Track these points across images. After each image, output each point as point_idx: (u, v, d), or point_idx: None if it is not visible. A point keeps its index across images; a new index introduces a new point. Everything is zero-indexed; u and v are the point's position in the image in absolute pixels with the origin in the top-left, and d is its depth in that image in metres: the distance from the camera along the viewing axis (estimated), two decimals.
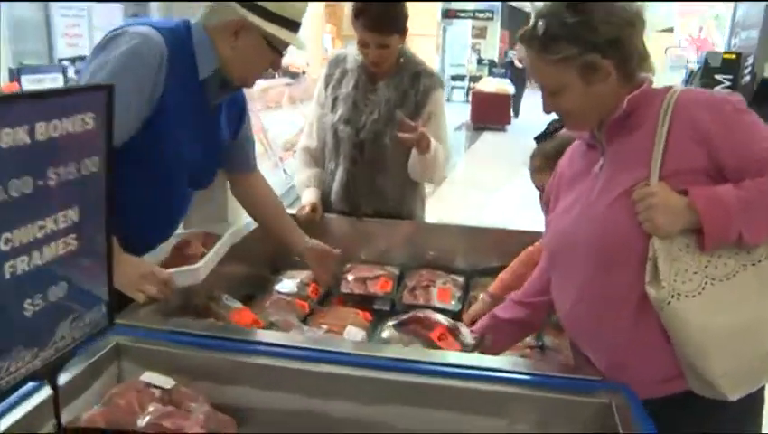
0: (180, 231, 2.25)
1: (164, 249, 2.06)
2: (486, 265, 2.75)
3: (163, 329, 1.64)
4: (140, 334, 1.60)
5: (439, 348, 1.88)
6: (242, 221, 2.66)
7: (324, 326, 2.30)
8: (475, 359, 1.66)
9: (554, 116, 1.69)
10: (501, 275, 2.33)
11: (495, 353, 1.94)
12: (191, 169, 2.01)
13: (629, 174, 1.46)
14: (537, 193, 2.20)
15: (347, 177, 2.79)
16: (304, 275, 2.66)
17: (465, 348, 1.96)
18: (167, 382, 1.46)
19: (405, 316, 2.03)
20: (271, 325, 2.07)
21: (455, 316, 2.44)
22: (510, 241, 2.72)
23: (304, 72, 8.12)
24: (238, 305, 2.10)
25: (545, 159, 2.02)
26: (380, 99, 2.69)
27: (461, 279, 2.70)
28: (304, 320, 2.38)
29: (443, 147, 2.75)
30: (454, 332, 1.99)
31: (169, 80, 1.81)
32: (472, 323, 2.14)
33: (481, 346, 1.94)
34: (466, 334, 1.99)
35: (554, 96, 1.51)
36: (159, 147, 1.87)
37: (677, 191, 1.39)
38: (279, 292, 2.56)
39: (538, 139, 2.09)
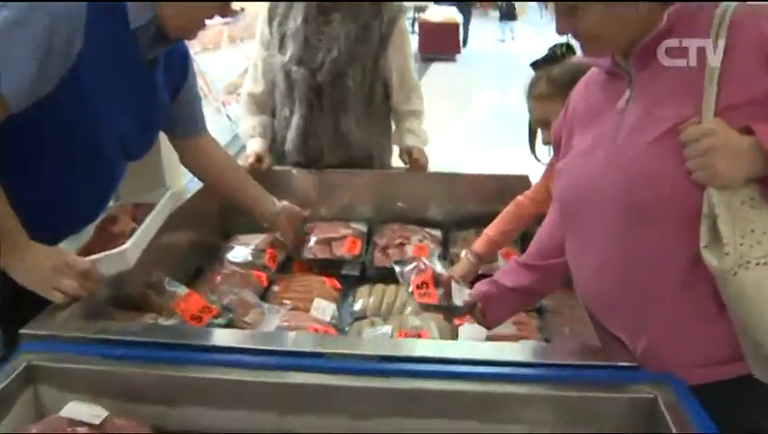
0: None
1: (88, 231, 1.70)
2: (464, 214, 2.45)
3: (87, 338, 1.30)
4: (59, 349, 1.26)
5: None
6: (182, 183, 2.31)
7: (288, 303, 1.99)
8: (478, 350, 1.36)
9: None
10: (487, 231, 2.03)
11: (490, 326, 1.66)
12: (121, 136, 1.64)
13: (670, 108, 1.15)
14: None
15: (304, 124, 2.44)
16: (258, 240, 2.33)
17: (455, 310, 1.66)
18: (96, 414, 1.13)
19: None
20: (224, 311, 1.74)
21: None
22: (489, 187, 2.43)
23: (242, 9, 7.55)
24: (183, 289, 1.76)
25: (553, 85, 1.68)
26: (338, 34, 2.33)
27: (438, 233, 2.40)
28: (263, 295, 2.06)
29: (410, 83, 2.50)
30: (441, 281, 1.71)
31: (91, 29, 1.43)
32: None
33: (472, 314, 1.65)
34: (459, 292, 1.68)
35: (571, 12, 1.18)
36: (80, 110, 1.50)
37: (734, 129, 1.08)
38: (231, 262, 2.23)
39: (536, 65, 1.76)
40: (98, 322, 1.44)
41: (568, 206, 1.38)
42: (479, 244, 2.00)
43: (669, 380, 1.19)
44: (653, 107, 1.18)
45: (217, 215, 2.42)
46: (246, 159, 2.40)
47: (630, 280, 1.25)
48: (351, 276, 2.21)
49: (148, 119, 1.71)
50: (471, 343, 1.59)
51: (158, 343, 1.29)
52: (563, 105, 1.49)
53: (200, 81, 3.59)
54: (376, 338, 1.70)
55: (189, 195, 2.25)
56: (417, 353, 1.28)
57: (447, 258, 2.26)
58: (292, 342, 1.36)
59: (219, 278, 2.06)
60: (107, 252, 1.53)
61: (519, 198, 2.03)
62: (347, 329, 1.91)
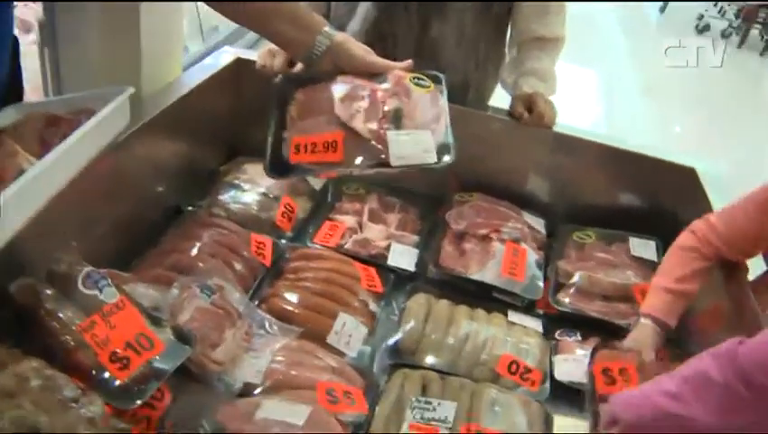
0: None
1: None
2: (583, 203, 1.62)
3: None
4: None
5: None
6: (169, 72, 1.48)
7: (295, 310, 1.22)
8: None
9: None
10: (659, 280, 1.23)
11: None
12: None
13: None
14: None
15: (377, 17, 1.56)
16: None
17: None
18: None
19: None
20: (176, 342, 0.98)
21: (527, 306, 1.37)
22: (627, 169, 1.60)
23: None
24: (111, 294, 0.96)
25: None
26: None
27: (539, 226, 1.57)
28: (258, 288, 1.28)
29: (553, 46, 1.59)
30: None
31: None
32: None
33: None
34: None
35: None
36: None
37: None
38: (226, 207, 1.44)
39: None
40: None
41: None
42: (653, 303, 1.20)
43: None
44: None
45: (224, 123, 1.63)
46: (260, 57, 1.50)
47: None
48: (401, 272, 1.42)
49: None
50: None
51: None
52: None
53: None
54: None
55: (185, 90, 1.46)
56: None
57: (546, 269, 1.45)
58: None
59: (195, 249, 1.28)
60: None
61: (700, 224, 1.21)
62: (382, 386, 1.14)
